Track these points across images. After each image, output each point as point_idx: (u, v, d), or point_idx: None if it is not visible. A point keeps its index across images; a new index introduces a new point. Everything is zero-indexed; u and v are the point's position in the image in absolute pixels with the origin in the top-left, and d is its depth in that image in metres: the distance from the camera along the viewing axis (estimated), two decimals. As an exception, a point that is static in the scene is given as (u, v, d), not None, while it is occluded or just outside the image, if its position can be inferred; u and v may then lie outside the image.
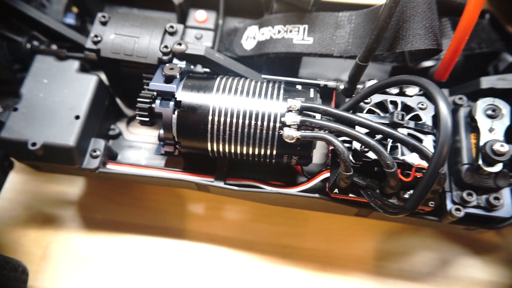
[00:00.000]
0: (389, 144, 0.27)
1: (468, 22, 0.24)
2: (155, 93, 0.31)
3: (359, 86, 0.32)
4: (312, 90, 0.30)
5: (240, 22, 0.41)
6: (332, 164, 0.30)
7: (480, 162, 0.27)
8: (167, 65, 0.30)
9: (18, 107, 0.32)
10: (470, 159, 0.28)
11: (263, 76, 0.35)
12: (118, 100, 0.39)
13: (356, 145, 0.28)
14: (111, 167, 0.34)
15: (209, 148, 0.30)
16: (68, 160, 0.31)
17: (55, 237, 0.38)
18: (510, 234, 0.37)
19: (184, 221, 0.39)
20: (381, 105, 0.29)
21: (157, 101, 0.30)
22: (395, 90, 0.30)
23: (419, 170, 0.26)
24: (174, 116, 0.29)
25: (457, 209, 0.28)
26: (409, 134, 0.27)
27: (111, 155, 0.36)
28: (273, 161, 0.30)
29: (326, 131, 0.27)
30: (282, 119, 0.28)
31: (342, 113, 0.27)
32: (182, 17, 0.40)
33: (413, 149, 0.25)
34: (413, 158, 0.26)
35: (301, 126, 0.27)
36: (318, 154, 0.37)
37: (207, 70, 0.35)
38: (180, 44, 0.32)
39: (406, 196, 0.27)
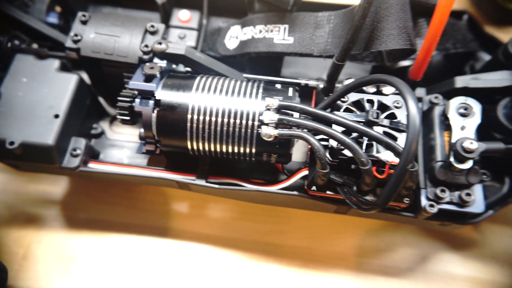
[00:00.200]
0: (365, 142, 0.28)
1: (439, 23, 0.25)
2: (136, 92, 0.31)
3: (339, 85, 0.32)
4: (291, 89, 0.31)
5: (224, 22, 0.41)
6: (311, 162, 0.31)
7: (451, 159, 0.27)
8: (147, 64, 0.31)
9: (-3, 106, 0.31)
10: (443, 156, 0.29)
11: (245, 75, 0.35)
12: (102, 100, 0.39)
13: (333, 143, 0.28)
14: (93, 166, 0.34)
15: (189, 147, 0.31)
16: (47, 159, 0.31)
17: (37, 236, 0.38)
18: (487, 230, 0.38)
19: (169, 219, 0.39)
20: (358, 104, 0.30)
21: (137, 100, 0.30)
22: (372, 89, 0.31)
23: (392, 167, 0.26)
24: (154, 115, 0.30)
25: (431, 205, 0.28)
26: (384, 132, 0.28)
27: (92, 154, 0.36)
28: (253, 159, 0.31)
29: (304, 130, 0.27)
30: (260, 118, 0.28)
31: (319, 112, 0.27)
32: (166, 16, 0.40)
33: (386, 146, 0.25)
34: (387, 156, 0.27)
35: (279, 125, 0.28)
36: (300, 153, 0.37)
37: (189, 69, 0.35)
38: (160, 43, 0.32)
39: (382, 193, 0.28)
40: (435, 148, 0.29)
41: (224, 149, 0.30)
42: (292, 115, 0.28)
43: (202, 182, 0.33)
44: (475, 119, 0.28)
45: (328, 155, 0.28)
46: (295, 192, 0.31)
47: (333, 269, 0.37)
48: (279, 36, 0.34)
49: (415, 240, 0.38)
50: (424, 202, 0.29)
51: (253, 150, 0.30)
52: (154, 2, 0.38)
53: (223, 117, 0.29)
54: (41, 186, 0.40)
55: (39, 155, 0.31)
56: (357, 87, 0.27)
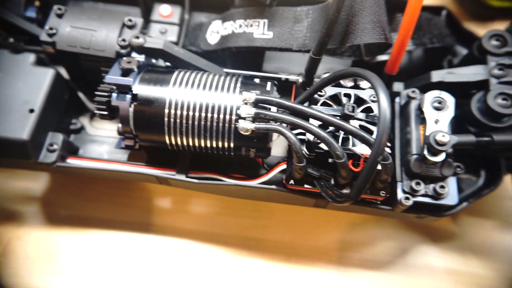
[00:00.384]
0: (341, 136, 0.28)
1: (411, 18, 0.25)
2: (114, 86, 0.31)
3: (317, 80, 0.32)
4: (269, 83, 0.31)
5: (207, 17, 0.41)
6: (289, 156, 0.31)
7: (425, 152, 0.28)
8: (124, 58, 0.30)
9: (-30, 101, 0.31)
10: (418, 149, 0.29)
11: (225, 70, 0.35)
12: (82, 95, 0.39)
13: (310, 136, 0.28)
14: (71, 161, 0.34)
15: (167, 141, 0.30)
16: (22, 154, 0.30)
17: (16, 233, 0.37)
18: (465, 223, 0.39)
19: (151, 215, 0.39)
20: (336, 98, 0.30)
21: (114, 95, 0.30)
22: (350, 83, 0.31)
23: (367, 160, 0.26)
24: (131, 109, 0.29)
25: (407, 198, 0.29)
26: (360, 126, 0.28)
27: (71, 150, 0.35)
28: (232, 153, 0.31)
29: (281, 123, 0.27)
30: (238, 112, 0.28)
31: (296, 106, 0.27)
32: (147, 11, 0.40)
33: (361, 140, 0.25)
34: (362, 149, 0.27)
35: (256, 119, 0.28)
36: (281, 147, 0.37)
37: (169, 64, 0.35)
38: (138, 37, 0.32)
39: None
40: (410, 141, 0.30)
41: (202, 144, 0.30)
42: (269, 109, 0.28)
43: (181, 177, 0.33)
44: (449, 112, 0.29)
45: (305, 149, 0.28)
46: (273, 186, 0.31)
47: (315, 263, 0.38)
48: (258, 30, 0.34)
49: (396, 234, 0.39)
50: (400, 195, 0.29)
51: (232, 145, 0.30)
52: (134, -4, 0.38)
53: (200, 111, 0.29)
54: (20, 182, 0.39)
55: (14, 150, 0.30)
56: (332, 81, 0.27)
